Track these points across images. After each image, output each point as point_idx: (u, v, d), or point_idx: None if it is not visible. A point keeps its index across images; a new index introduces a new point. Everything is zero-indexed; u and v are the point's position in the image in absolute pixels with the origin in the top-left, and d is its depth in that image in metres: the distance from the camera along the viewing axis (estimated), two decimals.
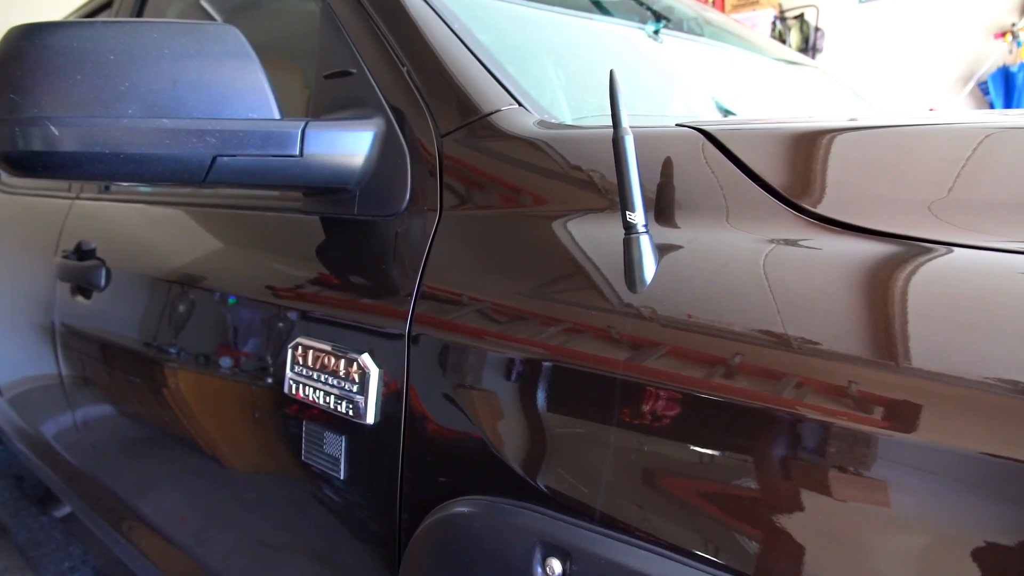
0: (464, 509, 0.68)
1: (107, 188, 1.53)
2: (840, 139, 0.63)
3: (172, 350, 1.14)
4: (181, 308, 1.12)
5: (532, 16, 1.19)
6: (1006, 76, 4.12)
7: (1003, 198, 0.53)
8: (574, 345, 0.61)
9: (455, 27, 0.91)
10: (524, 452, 0.65)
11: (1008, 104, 4.10)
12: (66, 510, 2.33)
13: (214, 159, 0.76)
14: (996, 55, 4.16)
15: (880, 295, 0.49)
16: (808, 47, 4.78)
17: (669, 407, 0.55)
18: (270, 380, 0.93)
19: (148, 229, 1.33)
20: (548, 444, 0.63)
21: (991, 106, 4.18)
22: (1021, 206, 0.52)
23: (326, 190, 0.89)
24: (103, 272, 1.34)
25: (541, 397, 0.63)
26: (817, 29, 4.79)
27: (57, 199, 1.68)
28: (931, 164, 0.58)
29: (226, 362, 1.03)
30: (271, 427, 0.96)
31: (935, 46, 4.36)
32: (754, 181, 0.61)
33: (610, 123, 0.63)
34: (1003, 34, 4.13)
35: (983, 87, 4.23)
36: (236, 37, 0.78)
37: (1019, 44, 4.07)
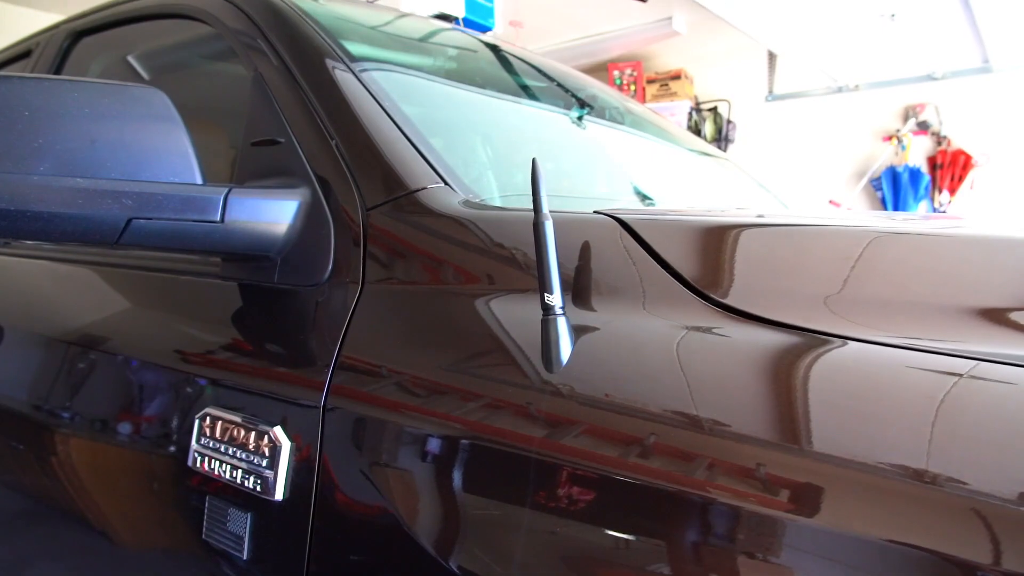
0: None
1: (6, 243, 1.45)
2: (747, 234, 0.67)
3: (64, 415, 1.07)
4: (79, 371, 1.06)
5: (461, 96, 1.23)
6: (893, 175, 4.52)
7: (889, 296, 0.58)
8: (491, 421, 0.61)
9: (385, 103, 0.93)
10: (438, 532, 0.63)
11: (896, 198, 4.48)
12: None
13: (129, 221, 0.74)
14: (885, 156, 4.56)
15: (784, 381, 0.52)
16: (721, 137, 5.09)
17: (583, 487, 0.55)
18: (173, 451, 0.89)
19: (50, 287, 1.26)
20: (463, 524, 0.62)
21: (882, 200, 4.54)
22: (906, 304, 0.56)
23: (246, 257, 0.88)
24: None
25: (457, 474, 0.63)
26: (729, 121, 5.13)
27: None
28: (827, 262, 0.62)
29: (124, 429, 0.97)
30: (170, 501, 0.90)
31: (832, 144, 4.74)
32: (666, 270, 0.64)
33: (531, 205, 0.65)
34: (890, 138, 4.54)
35: (875, 183, 4.61)
36: (161, 100, 0.77)
37: (903, 147, 4.48)
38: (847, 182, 4.73)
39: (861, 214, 0.80)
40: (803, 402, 0.50)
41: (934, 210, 4.43)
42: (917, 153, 4.50)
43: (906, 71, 4.38)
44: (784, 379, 0.52)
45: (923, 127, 4.48)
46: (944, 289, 0.58)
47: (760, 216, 0.72)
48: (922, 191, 4.42)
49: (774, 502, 0.47)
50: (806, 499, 0.46)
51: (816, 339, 0.54)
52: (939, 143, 4.44)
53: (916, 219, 0.89)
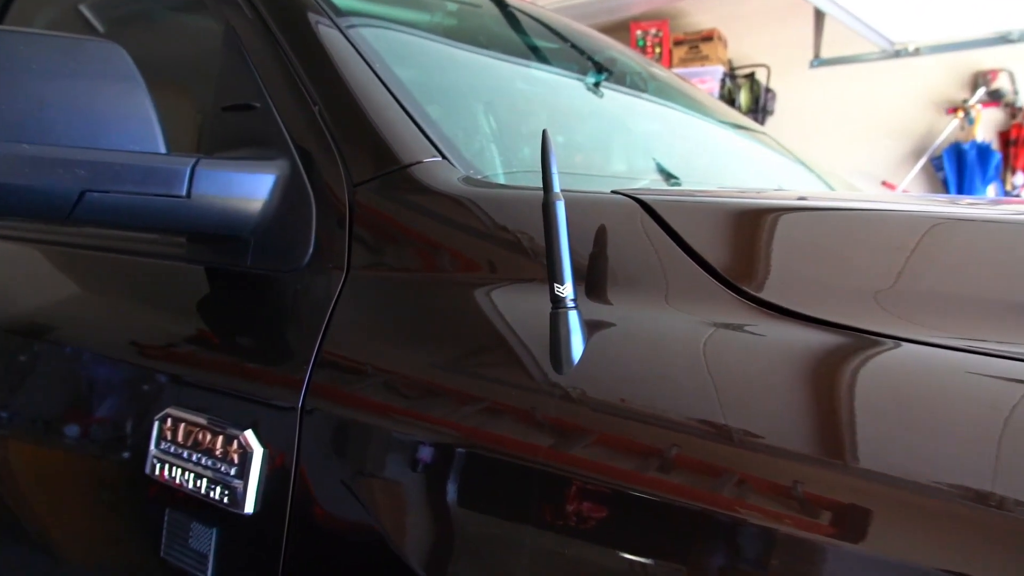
0: None
1: None
2: (786, 219, 0.68)
3: (3, 414, 1.07)
4: (21, 364, 1.06)
5: (463, 58, 1.23)
6: (958, 153, 4.47)
7: (950, 291, 0.58)
8: (491, 428, 0.62)
9: (376, 66, 0.93)
10: (430, 552, 0.64)
11: (961, 180, 4.44)
12: None
13: (82, 194, 0.74)
14: (948, 131, 4.52)
15: (827, 388, 0.52)
16: (758, 108, 5.07)
17: (595, 504, 0.56)
18: (127, 456, 0.89)
19: None
20: (458, 544, 0.62)
21: (944, 182, 4.51)
22: (968, 301, 0.56)
23: (215, 237, 0.88)
24: None
25: (452, 488, 0.63)
26: (768, 90, 5.10)
27: None
28: (878, 252, 0.62)
29: (72, 432, 0.98)
30: (124, 514, 0.91)
31: (887, 117, 4.70)
32: (693, 258, 0.64)
33: (541, 184, 0.65)
34: (955, 110, 4.50)
35: (936, 162, 4.57)
36: (120, 57, 0.77)
37: (970, 121, 4.44)
38: (904, 161, 4.70)
39: (919, 198, 0.80)
40: (848, 411, 0.50)
41: (1005, 193, 4.40)
42: (987, 127, 4.45)
43: (975, 31, 4.33)
44: (827, 385, 0.52)
45: (994, 97, 4.42)
46: (1015, 284, 0.58)
47: (802, 199, 0.72)
48: (991, 171, 4.38)
49: (814, 525, 0.47)
50: (850, 522, 0.47)
51: (864, 339, 0.54)
52: (1013, 116, 4.38)
53: (983, 204, 0.89)
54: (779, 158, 1.73)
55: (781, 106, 5.10)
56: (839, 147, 4.69)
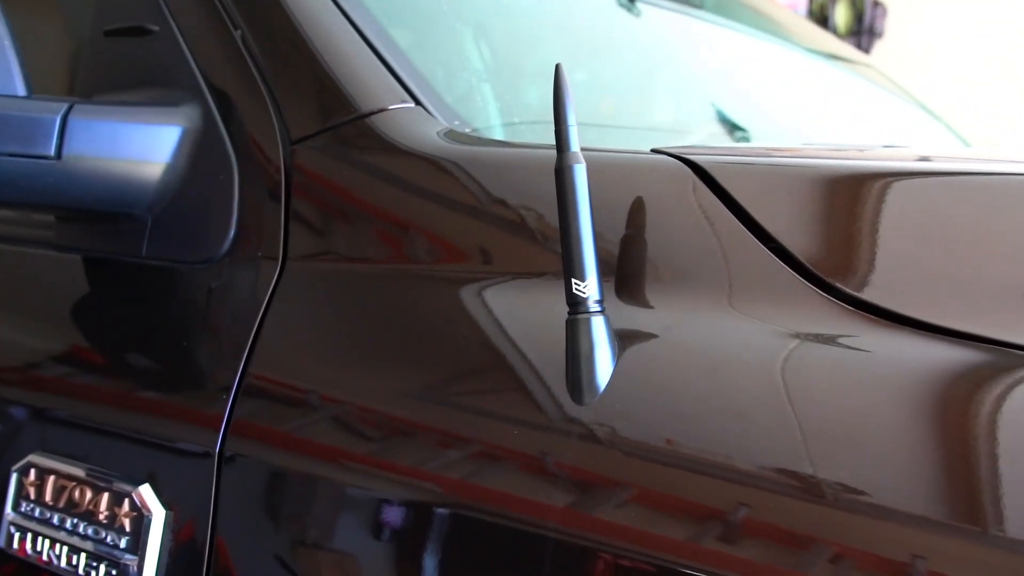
0: None
1: None
2: (901, 188, 0.68)
3: None
4: None
5: None
6: None
7: None
8: (483, 480, 0.62)
9: None
10: None
11: None
12: None
13: None
14: None
15: (960, 425, 0.52)
16: (861, 30, 5.03)
17: None
18: None
19: None
20: None
21: None
22: None
23: (96, 215, 0.89)
24: None
25: (430, 562, 0.64)
26: (876, 4, 5.07)
27: None
28: None
29: None
30: None
31: None
32: (766, 244, 0.64)
33: (553, 140, 0.65)
34: None
35: None
36: None
37: None
38: None
39: None
40: (989, 458, 0.50)
41: None
42: None
43: None
44: (960, 421, 0.53)
45: None
46: None
47: (923, 160, 0.72)
48: None
49: None
50: None
51: (1015, 358, 0.54)
52: None
53: None
54: (890, 101, 1.73)
55: (894, 26, 5.07)
56: (976, 85, 4.65)
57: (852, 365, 0.57)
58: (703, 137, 1.22)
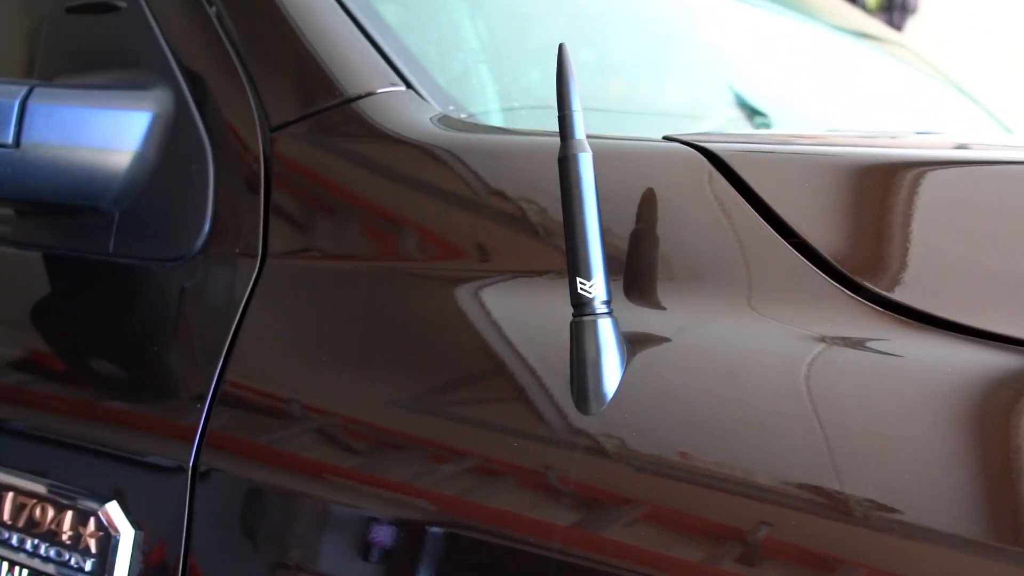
0: None
1: None
2: (936, 178, 0.67)
3: None
4: None
5: None
6: None
7: None
8: (481, 497, 0.62)
9: None
10: None
11: None
12: None
13: None
14: None
15: (1004, 437, 0.52)
16: (893, 4, 5.03)
17: None
18: None
19: None
20: None
21: None
22: None
23: (59, 209, 0.89)
24: None
25: None
26: None
27: None
28: None
29: None
30: None
31: None
32: (787, 239, 0.64)
33: (556, 126, 0.64)
34: None
35: None
36: None
37: None
38: None
39: None
40: None
41: None
42: None
43: None
44: (1002, 433, 0.52)
45: None
46: None
47: (961, 147, 0.71)
48: None
49: None
50: None
51: None
52: None
53: None
54: (924, 83, 1.73)
55: (928, 2, 5.07)
56: (1021, 64, 4.64)
57: (883, 371, 0.57)
58: (720, 123, 1.22)
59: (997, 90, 1.84)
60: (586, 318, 0.60)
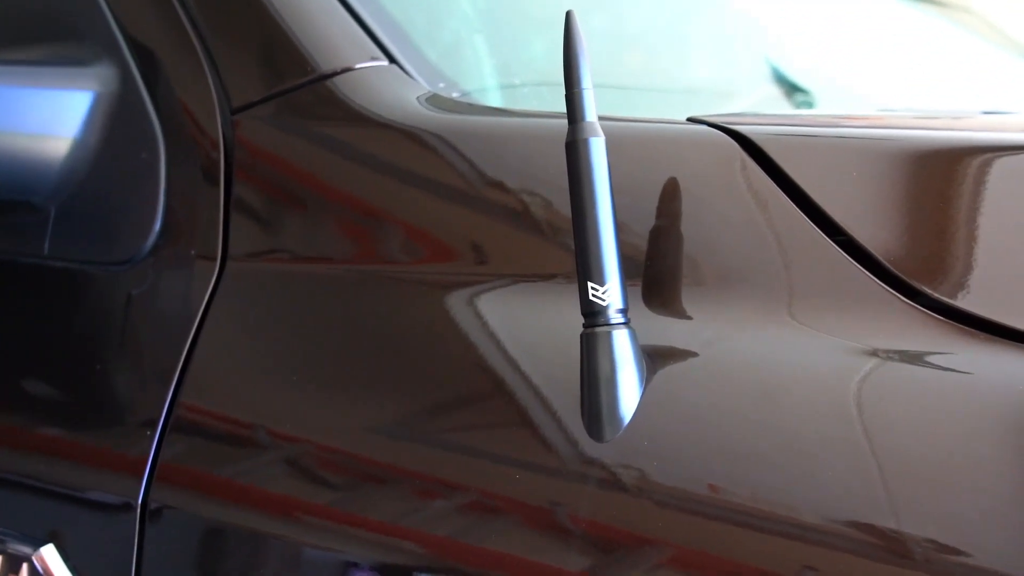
0: None
1: None
2: (1007, 166, 0.67)
3: None
4: None
5: None
6: None
7: None
8: (477, 539, 0.62)
9: None
10: None
11: None
12: None
13: None
14: None
15: None
16: None
17: None
18: None
19: None
20: None
21: None
22: None
23: None
24: None
25: None
26: None
27: None
28: None
29: None
30: None
31: None
32: (832, 237, 0.64)
33: (563, 107, 0.65)
34: None
35: None
36: None
37: None
38: None
39: None
40: None
41: None
42: None
43: None
44: None
45: None
46: None
47: None
48: None
49: None
50: None
51: None
52: None
53: None
54: (993, 54, 1.73)
55: None
56: None
57: (945, 390, 0.57)
58: (754, 102, 1.22)
59: None
60: (599, 329, 0.60)
